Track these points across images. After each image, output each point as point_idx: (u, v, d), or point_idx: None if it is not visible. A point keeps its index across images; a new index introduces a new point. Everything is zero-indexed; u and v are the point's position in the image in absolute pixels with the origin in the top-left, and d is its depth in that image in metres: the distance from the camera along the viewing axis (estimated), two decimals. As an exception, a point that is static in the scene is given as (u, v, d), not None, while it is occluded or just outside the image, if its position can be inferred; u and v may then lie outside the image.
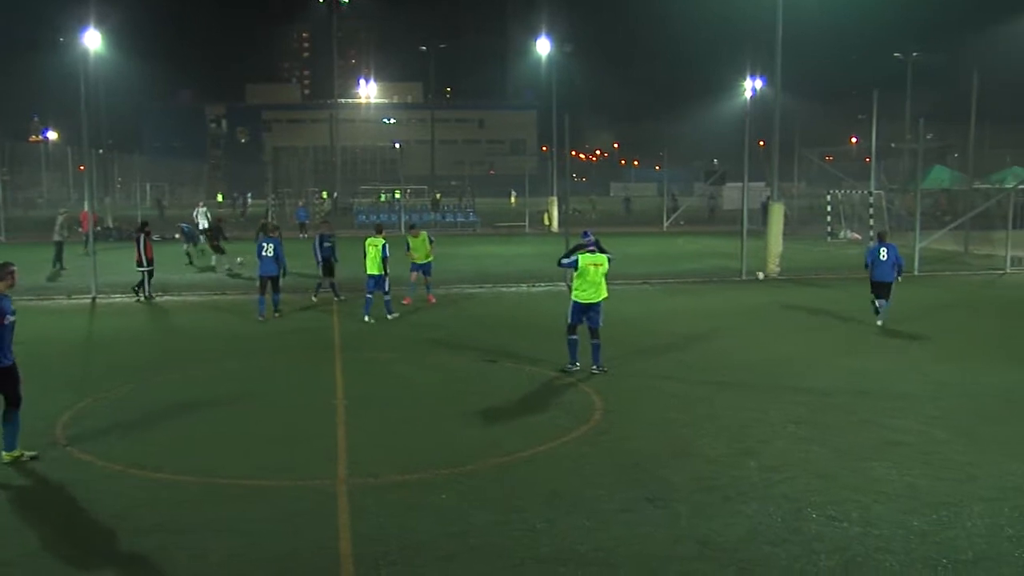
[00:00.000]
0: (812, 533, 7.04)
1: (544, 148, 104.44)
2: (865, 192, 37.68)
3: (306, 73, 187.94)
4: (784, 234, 26.07)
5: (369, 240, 17.54)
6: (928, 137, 44.90)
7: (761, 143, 43.87)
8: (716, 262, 28.37)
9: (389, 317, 17.38)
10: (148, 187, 56.11)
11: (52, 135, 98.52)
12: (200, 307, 19.97)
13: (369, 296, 17.51)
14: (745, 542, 6.89)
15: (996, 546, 6.78)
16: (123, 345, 15.53)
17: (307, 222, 42.38)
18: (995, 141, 53.02)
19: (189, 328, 17.17)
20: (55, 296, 21.61)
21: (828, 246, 35.89)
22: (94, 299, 21.07)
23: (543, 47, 51.21)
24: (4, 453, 8.84)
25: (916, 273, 24.96)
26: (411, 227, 21.44)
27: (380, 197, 66.53)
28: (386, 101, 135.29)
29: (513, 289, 22.59)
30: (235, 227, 39.64)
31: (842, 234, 38.28)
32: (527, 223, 47.46)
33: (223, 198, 58.84)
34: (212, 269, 26.10)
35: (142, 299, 20.57)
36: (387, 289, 17.48)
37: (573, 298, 12.73)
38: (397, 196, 61.42)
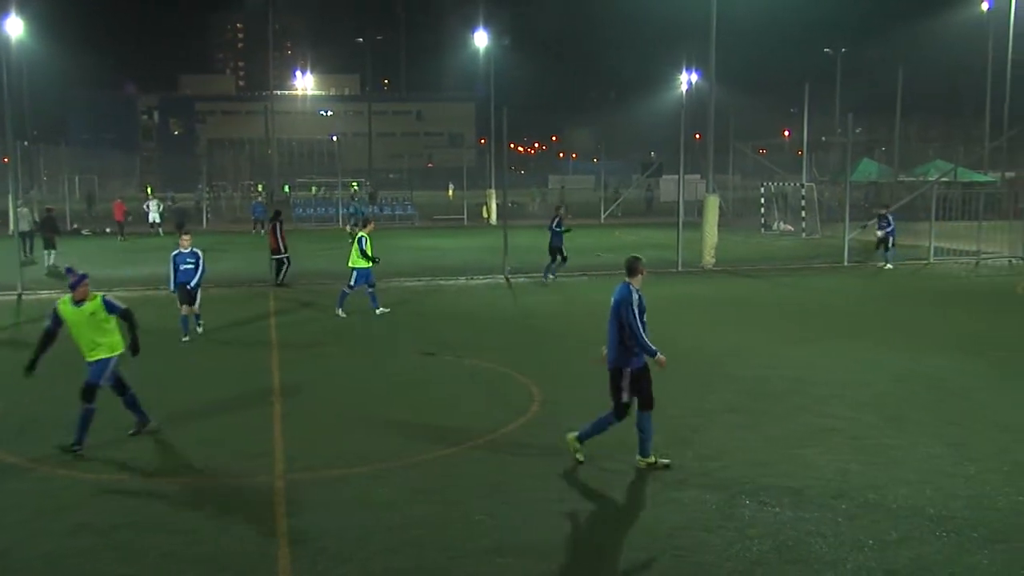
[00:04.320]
0: (746, 519, 7.19)
1: (482, 141, 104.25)
2: (797, 184, 38.57)
3: (241, 64, 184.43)
4: (719, 226, 26.49)
5: (359, 233, 17.27)
6: (857, 131, 46.03)
7: (697, 136, 44.52)
8: (653, 253, 28.62)
9: (378, 312, 17.10)
10: (77, 180, 54.40)
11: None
12: (132, 302, 19.40)
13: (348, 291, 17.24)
14: (680, 529, 7.01)
15: (918, 526, 7.01)
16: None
17: (263, 218, 39.53)
18: (921, 135, 54.70)
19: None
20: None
21: (762, 238, 36.56)
22: (20, 296, 20.43)
23: (481, 40, 51.18)
24: (639, 458, 8.42)
25: (845, 264, 25.64)
26: (366, 222, 18.41)
27: (311, 190, 65.28)
28: (323, 93, 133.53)
29: (452, 282, 22.55)
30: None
31: (776, 226, 38.99)
32: (465, 216, 47.37)
33: (152, 191, 57.22)
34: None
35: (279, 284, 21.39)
36: (372, 282, 17.29)
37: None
38: (355, 188, 59.56)
